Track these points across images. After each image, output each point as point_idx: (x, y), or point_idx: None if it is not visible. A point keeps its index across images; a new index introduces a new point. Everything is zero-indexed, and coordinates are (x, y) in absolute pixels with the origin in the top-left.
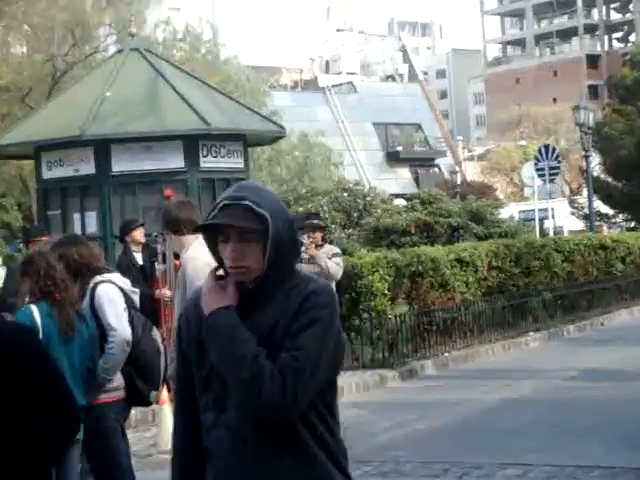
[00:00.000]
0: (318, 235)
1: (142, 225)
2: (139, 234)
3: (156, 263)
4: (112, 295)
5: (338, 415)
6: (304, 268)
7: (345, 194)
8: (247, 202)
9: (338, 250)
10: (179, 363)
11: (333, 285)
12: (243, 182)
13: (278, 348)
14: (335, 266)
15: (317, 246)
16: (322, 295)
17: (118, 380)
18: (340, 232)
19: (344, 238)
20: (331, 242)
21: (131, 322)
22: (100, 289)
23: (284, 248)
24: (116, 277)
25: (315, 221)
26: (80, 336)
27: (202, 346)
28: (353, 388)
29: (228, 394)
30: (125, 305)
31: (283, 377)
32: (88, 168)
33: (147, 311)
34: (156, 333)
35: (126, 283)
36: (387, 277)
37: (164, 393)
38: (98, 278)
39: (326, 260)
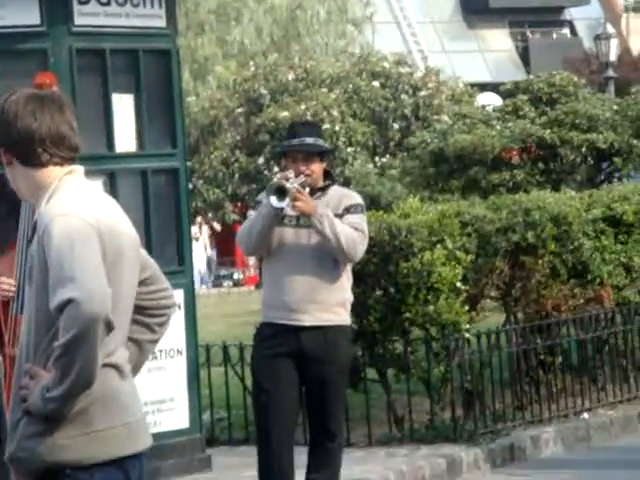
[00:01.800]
0: (316, 168)
1: None
2: None
3: None
4: None
5: None
6: (288, 236)
7: (376, 83)
8: None
9: (358, 199)
10: None
11: (348, 271)
12: None
13: None
14: (352, 233)
15: (315, 190)
16: None
17: None
18: (365, 161)
19: (373, 174)
20: (346, 183)
21: None
22: None
23: None
24: None
25: (310, 140)
26: None
27: None
28: None
29: None
30: None
31: None
32: None
33: None
34: None
35: None
36: (462, 255)
37: None
38: None
39: (333, 221)
